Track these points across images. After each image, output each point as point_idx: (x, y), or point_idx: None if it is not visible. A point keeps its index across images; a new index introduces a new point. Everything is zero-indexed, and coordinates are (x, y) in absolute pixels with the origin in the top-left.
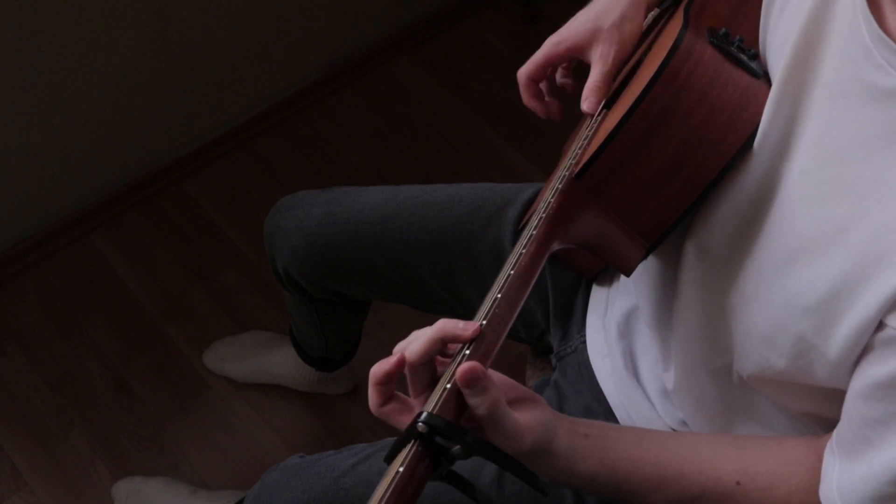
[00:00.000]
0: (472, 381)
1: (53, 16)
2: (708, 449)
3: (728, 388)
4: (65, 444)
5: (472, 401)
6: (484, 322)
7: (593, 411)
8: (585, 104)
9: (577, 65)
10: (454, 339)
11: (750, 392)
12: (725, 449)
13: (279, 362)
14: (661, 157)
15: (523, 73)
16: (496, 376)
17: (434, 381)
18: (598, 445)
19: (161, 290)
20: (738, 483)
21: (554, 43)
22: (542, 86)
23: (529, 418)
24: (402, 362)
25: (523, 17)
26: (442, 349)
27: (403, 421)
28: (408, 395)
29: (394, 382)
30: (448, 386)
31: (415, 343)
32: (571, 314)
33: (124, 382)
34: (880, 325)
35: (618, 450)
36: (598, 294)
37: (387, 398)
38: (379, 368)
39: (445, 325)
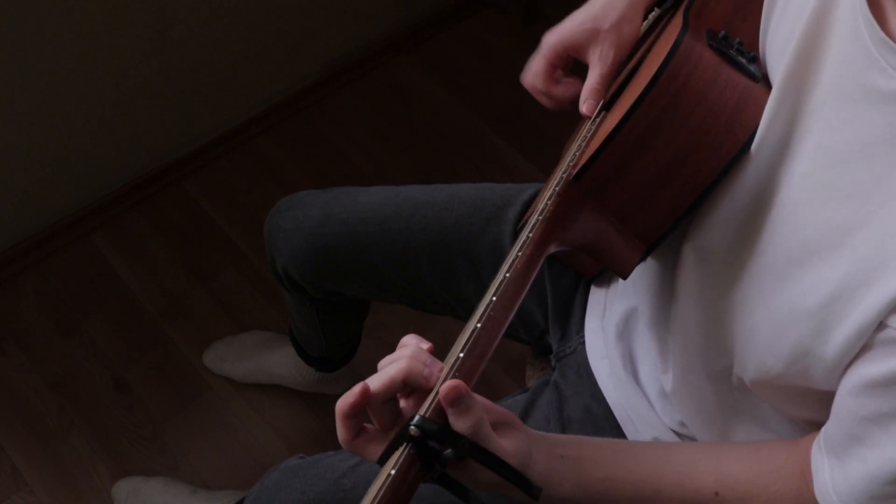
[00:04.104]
0: (456, 399)
1: (53, 16)
2: (685, 461)
3: (727, 390)
4: (65, 444)
5: (456, 421)
6: (479, 325)
7: (593, 412)
8: (584, 106)
9: (574, 64)
10: (416, 387)
11: (749, 395)
12: (702, 459)
13: (279, 362)
14: (659, 160)
15: (540, 84)
16: (477, 399)
17: (397, 417)
18: (575, 467)
19: (161, 290)
20: (716, 494)
21: (552, 44)
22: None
23: (509, 444)
24: (366, 392)
25: (523, 17)
26: (402, 390)
27: (376, 451)
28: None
29: (361, 416)
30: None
31: (380, 377)
32: (570, 315)
33: (124, 382)
34: (880, 325)
35: (594, 470)
36: (596, 296)
37: (356, 432)
38: (344, 402)
39: (412, 368)
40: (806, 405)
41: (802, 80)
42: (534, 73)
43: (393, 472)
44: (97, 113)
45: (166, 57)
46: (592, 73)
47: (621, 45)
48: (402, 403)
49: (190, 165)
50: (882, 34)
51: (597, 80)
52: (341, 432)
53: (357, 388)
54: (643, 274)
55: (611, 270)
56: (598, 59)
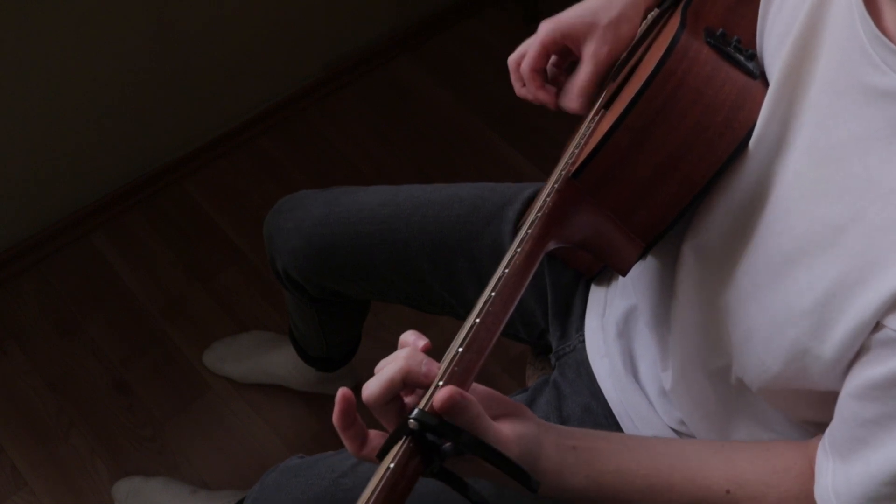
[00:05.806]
0: (451, 408)
1: (53, 16)
2: (696, 458)
3: (725, 389)
4: (65, 444)
5: (453, 417)
6: (477, 320)
7: (592, 410)
8: (571, 102)
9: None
10: (415, 383)
11: (748, 393)
12: (714, 457)
13: (279, 362)
14: (657, 156)
15: (526, 65)
16: (480, 391)
17: (403, 410)
18: (586, 458)
19: (161, 290)
20: (727, 492)
21: (549, 30)
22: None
23: (514, 430)
24: (347, 397)
25: (523, 17)
26: (402, 388)
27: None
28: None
29: (359, 423)
30: (440, 384)
31: (378, 379)
32: (570, 314)
33: (124, 382)
34: (878, 326)
35: (607, 462)
36: (596, 294)
37: (361, 440)
38: (335, 417)
39: (410, 368)
40: (808, 407)
41: (799, 76)
42: (525, 54)
43: (392, 465)
44: (97, 113)
45: (166, 57)
46: (583, 69)
47: (616, 43)
48: (407, 399)
49: (190, 165)
50: (876, 30)
51: (585, 77)
52: (347, 444)
53: (338, 397)
54: (643, 272)
55: (610, 267)
56: (590, 54)
